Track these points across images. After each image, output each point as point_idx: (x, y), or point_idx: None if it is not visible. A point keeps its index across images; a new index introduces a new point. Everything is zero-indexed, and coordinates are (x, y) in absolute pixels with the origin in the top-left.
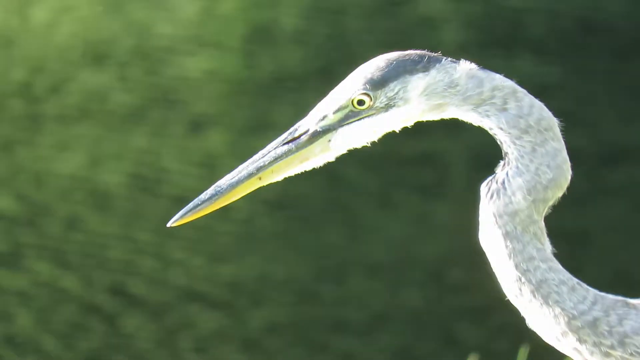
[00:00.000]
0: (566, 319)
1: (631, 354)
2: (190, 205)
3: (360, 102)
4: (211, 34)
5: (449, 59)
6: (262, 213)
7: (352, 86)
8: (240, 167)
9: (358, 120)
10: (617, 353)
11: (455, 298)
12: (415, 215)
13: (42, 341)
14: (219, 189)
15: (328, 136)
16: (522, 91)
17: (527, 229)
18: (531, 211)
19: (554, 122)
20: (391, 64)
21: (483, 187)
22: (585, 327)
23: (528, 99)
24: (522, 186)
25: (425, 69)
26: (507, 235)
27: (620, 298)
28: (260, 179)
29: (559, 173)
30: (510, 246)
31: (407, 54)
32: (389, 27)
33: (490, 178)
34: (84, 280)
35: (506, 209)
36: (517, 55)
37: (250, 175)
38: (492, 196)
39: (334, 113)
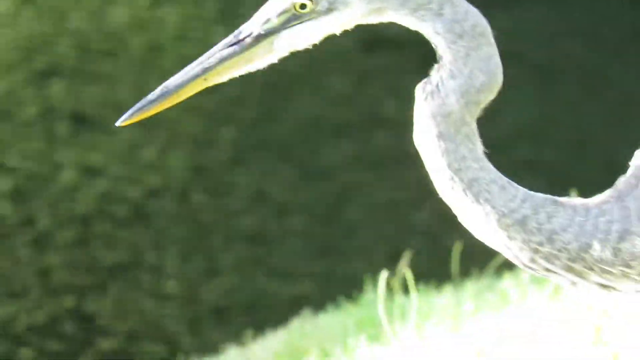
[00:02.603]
0: (496, 216)
1: (559, 250)
2: (138, 104)
3: (303, 6)
4: None
5: None
6: None
7: None
8: (187, 68)
9: (300, 23)
10: (546, 249)
11: None
12: None
13: None
14: (165, 89)
15: (271, 39)
16: None
17: (460, 130)
18: (464, 113)
19: (488, 29)
20: None
21: (418, 89)
22: (515, 225)
23: (464, 5)
24: (456, 89)
25: None
26: (440, 135)
27: (549, 196)
28: (205, 79)
29: (492, 77)
30: (444, 146)
31: None
32: None
33: (425, 80)
34: None
35: (440, 110)
36: None
37: (196, 76)
38: (426, 97)
39: (277, 16)
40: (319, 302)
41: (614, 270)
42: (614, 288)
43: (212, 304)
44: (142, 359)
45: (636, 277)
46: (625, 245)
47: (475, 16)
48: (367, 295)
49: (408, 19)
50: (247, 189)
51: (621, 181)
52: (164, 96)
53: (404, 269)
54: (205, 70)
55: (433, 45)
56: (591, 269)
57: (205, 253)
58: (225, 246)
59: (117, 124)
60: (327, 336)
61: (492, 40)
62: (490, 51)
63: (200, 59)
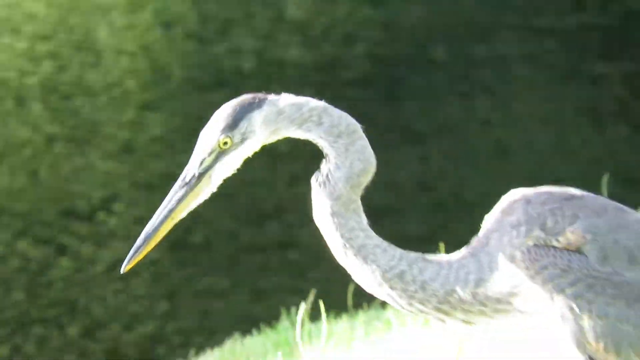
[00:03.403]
0: (380, 272)
1: (430, 296)
2: (131, 252)
3: (225, 143)
4: None
5: (274, 95)
6: None
7: (214, 133)
8: (157, 213)
9: (226, 155)
10: (419, 295)
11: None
12: None
13: None
14: (147, 234)
15: (209, 174)
16: (331, 107)
17: (348, 208)
18: (350, 194)
19: (358, 126)
20: (236, 109)
21: (313, 180)
22: (395, 278)
23: (337, 112)
24: (341, 177)
25: (259, 106)
26: (333, 214)
27: (420, 254)
28: (172, 219)
29: (367, 163)
30: (337, 221)
31: (244, 99)
32: None
33: (317, 172)
34: None
35: (331, 195)
36: None
37: (165, 219)
38: (320, 186)
39: (208, 156)
40: (247, 327)
41: (472, 309)
42: (473, 323)
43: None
44: None
45: (490, 314)
46: (480, 290)
47: (347, 118)
48: (282, 323)
49: (298, 132)
50: None
51: (474, 240)
52: (147, 240)
53: (311, 302)
54: (170, 212)
55: (320, 147)
56: (455, 309)
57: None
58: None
59: (122, 271)
60: (252, 354)
61: (363, 134)
62: (363, 143)
63: (164, 202)
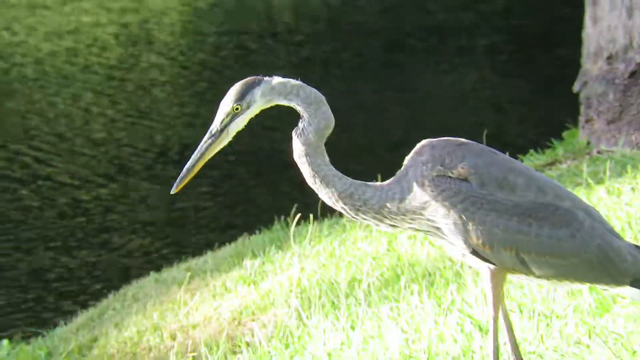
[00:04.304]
0: (337, 193)
1: (369, 208)
2: (178, 179)
3: (237, 109)
4: None
5: (270, 76)
6: None
7: (229, 102)
8: (194, 154)
9: (237, 116)
10: (363, 209)
11: None
12: None
13: None
14: (187, 167)
15: (227, 129)
16: (305, 85)
17: (316, 151)
18: (317, 142)
19: (323, 97)
20: (243, 87)
21: (294, 132)
22: (347, 197)
23: (309, 88)
24: (312, 130)
25: (259, 84)
26: (306, 154)
27: (363, 182)
28: (204, 158)
29: (329, 121)
30: (308, 160)
31: (248, 80)
32: None
33: (296, 128)
34: None
35: (305, 142)
36: None
37: (199, 158)
38: (298, 136)
39: (226, 117)
40: (252, 229)
41: (397, 217)
42: (398, 227)
43: None
44: None
45: (409, 221)
46: (402, 205)
47: (316, 93)
48: (275, 227)
49: (284, 101)
50: None
51: (399, 171)
52: (187, 171)
53: (293, 213)
54: (202, 155)
55: (297, 110)
56: (386, 217)
57: None
58: None
59: (172, 192)
60: (255, 247)
61: (326, 102)
62: (325, 109)
63: (198, 148)
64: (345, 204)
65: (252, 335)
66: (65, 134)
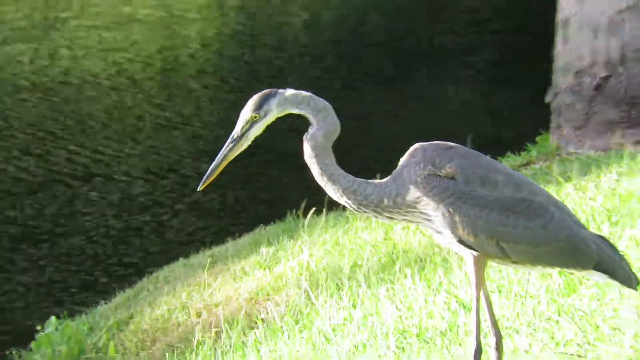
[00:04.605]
0: (342, 189)
1: (369, 202)
2: (205, 177)
3: (255, 117)
4: None
5: (284, 89)
6: None
7: (249, 111)
8: (218, 155)
9: (256, 123)
10: (364, 203)
11: None
12: None
13: None
14: (211, 168)
15: (246, 135)
16: (314, 96)
17: (325, 152)
18: (325, 144)
19: (330, 106)
20: (261, 97)
21: (305, 136)
22: (350, 193)
23: (317, 98)
24: (321, 135)
25: (274, 96)
26: (315, 155)
27: (364, 180)
28: (227, 159)
29: (335, 127)
30: (318, 159)
31: (265, 92)
32: None
33: (307, 132)
34: None
35: (315, 144)
36: None
37: (222, 159)
38: (309, 140)
39: (246, 124)
40: (267, 220)
41: (394, 210)
42: (394, 218)
43: None
44: None
45: (404, 214)
46: (398, 200)
47: (324, 102)
48: (288, 219)
49: (296, 110)
50: None
51: (395, 171)
52: (212, 171)
53: (303, 207)
54: (225, 156)
55: (308, 118)
56: (384, 210)
57: None
58: None
59: (198, 189)
60: (270, 236)
61: (333, 111)
62: (333, 116)
63: (221, 150)
64: (349, 198)
65: (267, 313)
66: (117, 137)
